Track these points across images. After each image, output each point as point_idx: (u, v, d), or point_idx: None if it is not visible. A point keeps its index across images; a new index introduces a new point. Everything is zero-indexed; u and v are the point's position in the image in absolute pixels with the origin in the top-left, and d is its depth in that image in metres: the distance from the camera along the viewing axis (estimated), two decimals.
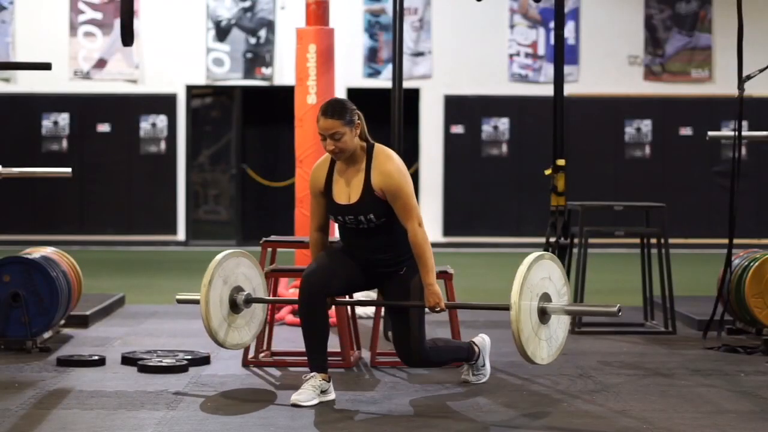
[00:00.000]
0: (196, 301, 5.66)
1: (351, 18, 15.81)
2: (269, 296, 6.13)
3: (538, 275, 5.07)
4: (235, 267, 5.70)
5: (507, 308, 5.01)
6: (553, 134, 8.02)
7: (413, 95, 15.91)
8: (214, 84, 16.13)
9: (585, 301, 7.71)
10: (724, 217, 7.70)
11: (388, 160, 5.30)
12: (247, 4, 15.95)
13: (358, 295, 8.41)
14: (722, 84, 15.82)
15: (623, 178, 16.04)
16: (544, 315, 5.10)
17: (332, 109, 5.28)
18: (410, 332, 5.38)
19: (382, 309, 6.54)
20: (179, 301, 5.92)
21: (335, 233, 5.91)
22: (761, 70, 7.31)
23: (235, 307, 5.72)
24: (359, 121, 5.30)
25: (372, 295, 8.47)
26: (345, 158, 5.31)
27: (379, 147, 5.36)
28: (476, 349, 5.77)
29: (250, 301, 5.77)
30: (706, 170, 16.01)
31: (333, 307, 5.59)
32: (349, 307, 6.49)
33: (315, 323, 5.27)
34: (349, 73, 15.72)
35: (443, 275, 6.26)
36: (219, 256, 5.63)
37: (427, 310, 5.35)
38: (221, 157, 16.76)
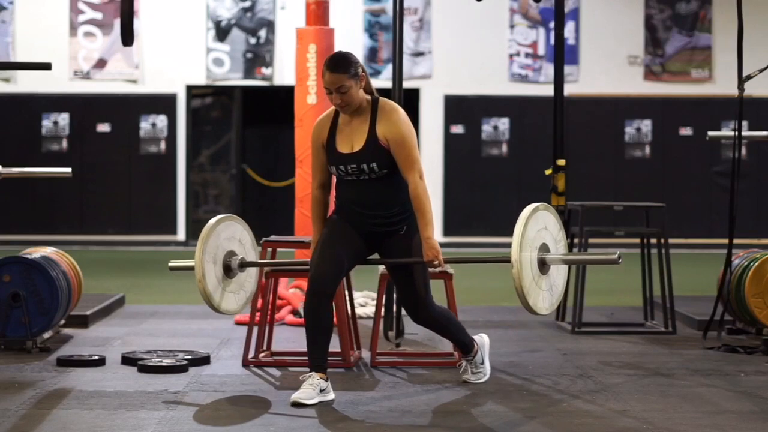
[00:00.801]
0: (190, 268, 5.62)
1: (351, 18, 15.81)
2: (260, 252, 6.03)
3: (535, 228, 5.18)
4: (216, 240, 5.63)
5: (508, 260, 5.10)
6: (553, 134, 8.01)
7: (413, 95, 15.91)
8: (214, 84, 16.13)
9: (585, 302, 7.71)
10: (724, 217, 7.70)
11: (393, 110, 5.34)
12: (247, 4, 15.95)
13: (357, 296, 8.45)
14: (722, 84, 15.82)
15: (623, 178, 16.04)
16: (543, 265, 5.20)
17: (337, 62, 5.30)
18: (414, 285, 5.41)
19: (382, 309, 6.55)
20: (172, 269, 5.85)
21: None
22: (761, 70, 7.31)
23: (229, 271, 5.70)
24: (363, 74, 5.34)
25: (372, 295, 8.48)
26: (351, 111, 5.33)
27: (384, 99, 5.41)
28: (475, 345, 5.78)
29: (244, 265, 5.75)
30: (706, 170, 16.01)
31: (333, 306, 5.59)
32: (349, 307, 6.49)
33: (319, 323, 5.27)
34: None
35: (443, 275, 6.26)
36: (199, 243, 5.53)
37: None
38: (221, 157, 16.76)
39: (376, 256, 5.55)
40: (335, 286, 5.36)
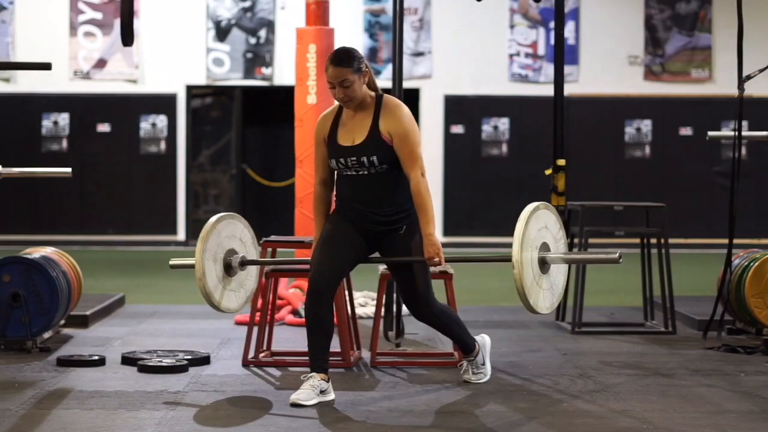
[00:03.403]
0: (191, 266, 5.62)
1: (351, 18, 15.81)
2: (261, 250, 6.03)
3: (535, 227, 5.18)
4: (216, 238, 5.63)
5: (509, 260, 5.10)
6: (553, 134, 8.01)
7: (413, 95, 15.91)
8: (214, 84, 16.13)
9: (585, 302, 7.71)
10: (724, 217, 7.70)
11: (397, 107, 5.36)
12: (247, 4, 15.95)
13: (357, 296, 8.45)
14: (722, 84, 15.82)
15: (623, 178, 16.04)
16: (544, 264, 5.21)
17: (341, 57, 5.32)
18: (415, 283, 5.41)
19: (382, 309, 6.54)
20: (173, 266, 5.84)
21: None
22: (761, 70, 7.31)
23: (229, 269, 5.70)
24: (367, 70, 5.36)
25: (372, 295, 8.48)
26: (354, 106, 5.33)
27: (388, 96, 5.44)
28: (476, 345, 5.78)
29: (245, 263, 5.76)
30: (706, 170, 16.00)
31: (334, 306, 5.59)
32: (349, 307, 6.49)
33: (320, 324, 5.27)
34: None
35: (443, 275, 6.26)
36: (199, 242, 5.54)
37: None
38: (221, 157, 16.76)
39: (376, 254, 5.55)
40: (336, 286, 5.36)
